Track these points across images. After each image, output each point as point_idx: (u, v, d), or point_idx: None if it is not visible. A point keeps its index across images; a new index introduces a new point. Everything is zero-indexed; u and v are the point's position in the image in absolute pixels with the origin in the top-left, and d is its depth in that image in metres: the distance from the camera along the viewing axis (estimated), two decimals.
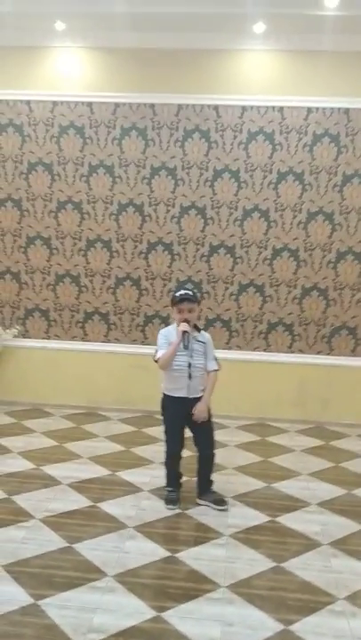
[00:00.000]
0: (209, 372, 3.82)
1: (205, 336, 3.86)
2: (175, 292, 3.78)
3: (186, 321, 3.68)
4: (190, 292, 3.73)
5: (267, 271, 5.77)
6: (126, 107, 5.73)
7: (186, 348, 3.65)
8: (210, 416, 3.85)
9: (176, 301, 3.71)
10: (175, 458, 3.87)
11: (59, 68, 5.76)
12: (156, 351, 3.76)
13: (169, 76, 5.65)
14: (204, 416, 3.76)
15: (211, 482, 3.92)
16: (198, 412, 3.73)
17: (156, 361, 3.74)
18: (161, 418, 3.90)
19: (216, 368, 3.84)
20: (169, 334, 3.78)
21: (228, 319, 5.84)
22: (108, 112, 5.75)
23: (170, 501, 3.79)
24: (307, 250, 5.72)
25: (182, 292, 3.73)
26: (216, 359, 3.87)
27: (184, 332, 3.65)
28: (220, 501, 3.81)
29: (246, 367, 5.79)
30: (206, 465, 3.89)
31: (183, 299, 3.69)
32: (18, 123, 5.83)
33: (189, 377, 3.71)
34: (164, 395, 3.83)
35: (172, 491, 3.86)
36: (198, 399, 3.76)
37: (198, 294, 3.87)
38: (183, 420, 3.78)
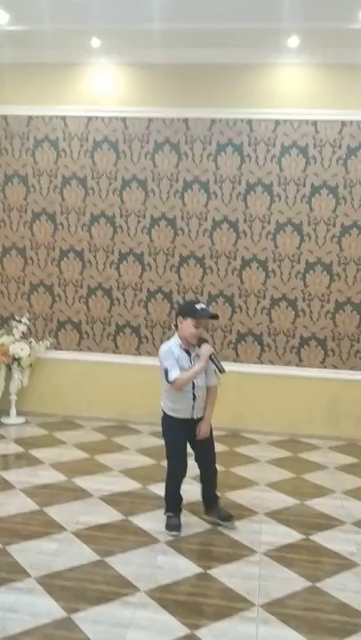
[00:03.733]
0: (209, 386, 3.63)
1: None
2: (194, 305, 3.55)
3: (203, 340, 3.55)
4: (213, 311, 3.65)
5: (299, 285, 5.73)
6: (160, 121, 5.78)
7: (222, 371, 3.54)
8: (211, 432, 3.71)
9: (198, 316, 3.48)
10: (180, 479, 3.67)
11: (94, 84, 5.85)
12: (167, 371, 3.47)
13: (202, 90, 5.68)
14: (207, 435, 3.64)
15: (217, 497, 3.77)
16: (203, 433, 3.61)
17: (170, 382, 3.47)
18: (162, 437, 3.74)
19: (216, 383, 3.65)
20: (173, 351, 3.51)
21: (260, 333, 5.80)
22: (141, 127, 5.81)
23: (173, 527, 3.58)
24: (340, 264, 5.66)
25: (204, 306, 3.54)
26: (216, 372, 3.63)
27: (212, 355, 3.50)
28: (226, 517, 3.69)
29: (278, 382, 5.73)
30: (211, 482, 3.73)
31: (209, 315, 3.56)
32: (53, 138, 5.93)
33: (194, 398, 3.55)
34: (167, 415, 3.64)
35: (173, 516, 3.65)
36: (200, 418, 3.62)
37: None
38: (186, 440, 3.65)
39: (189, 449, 3.69)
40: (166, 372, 3.47)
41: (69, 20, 5.09)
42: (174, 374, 3.44)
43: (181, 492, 3.71)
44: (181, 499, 3.72)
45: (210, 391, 3.64)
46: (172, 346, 3.53)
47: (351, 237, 5.62)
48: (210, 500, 3.75)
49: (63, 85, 5.86)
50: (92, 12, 4.95)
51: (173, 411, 3.59)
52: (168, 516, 3.66)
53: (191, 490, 3.84)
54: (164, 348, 3.55)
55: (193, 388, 3.52)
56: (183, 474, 3.67)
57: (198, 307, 3.51)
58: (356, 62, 5.41)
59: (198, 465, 3.71)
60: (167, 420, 3.64)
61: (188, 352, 3.53)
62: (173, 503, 3.70)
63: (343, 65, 5.46)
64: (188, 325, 3.48)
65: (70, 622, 2.65)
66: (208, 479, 3.73)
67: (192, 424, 3.60)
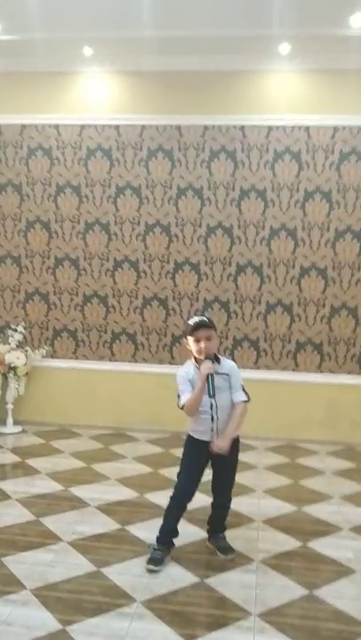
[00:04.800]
0: (236, 403, 3.32)
1: (228, 366, 3.34)
2: (189, 321, 3.30)
3: (208, 357, 3.21)
4: (205, 318, 3.27)
5: (295, 290, 5.73)
6: (153, 129, 5.80)
7: (212, 396, 3.18)
8: (236, 459, 3.43)
9: (190, 330, 3.22)
10: (183, 502, 3.35)
11: (86, 93, 5.87)
12: (179, 396, 3.28)
13: (195, 97, 5.70)
14: (223, 451, 3.26)
15: (223, 526, 3.50)
16: (216, 447, 3.26)
17: (181, 408, 3.28)
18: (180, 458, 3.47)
19: (244, 399, 3.32)
20: (188, 373, 3.28)
21: (256, 339, 5.80)
22: (134, 134, 5.82)
23: (154, 561, 3.25)
24: (335, 268, 5.67)
25: (196, 319, 3.26)
26: (244, 389, 3.37)
27: (208, 376, 3.17)
28: (226, 549, 3.38)
29: (275, 387, 5.73)
30: (222, 509, 3.48)
31: (199, 325, 3.21)
32: (46, 146, 5.93)
33: (212, 419, 3.27)
34: (189, 434, 3.41)
35: (159, 549, 3.31)
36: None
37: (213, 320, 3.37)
38: (205, 463, 3.37)
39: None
40: (179, 397, 3.28)
41: (61, 29, 5.10)
42: (182, 399, 3.24)
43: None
44: (177, 533, 3.40)
45: (235, 407, 3.32)
46: (187, 367, 3.32)
47: (345, 242, 5.63)
48: (215, 527, 3.51)
49: (56, 94, 5.87)
50: (84, 21, 4.96)
51: (195, 432, 3.36)
52: (154, 548, 3.33)
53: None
54: (180, 371, 3.33)
55: (211, 408, 3.26)
56: (187, 498, 3.35)
57: (192, 321, 3.26)
58: (347, 68, 5.43)
59: (212, 490, 3.47)
60: (188, 439, 3.42)
61: None
62: (167, 532, 3.37)
63: (335, 70, 5.48)
64: (190, 344, 3.26)
65: (65, 635, 2.63)
66: (219, 505, 3.48)
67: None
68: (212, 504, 3.51)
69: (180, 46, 5.35)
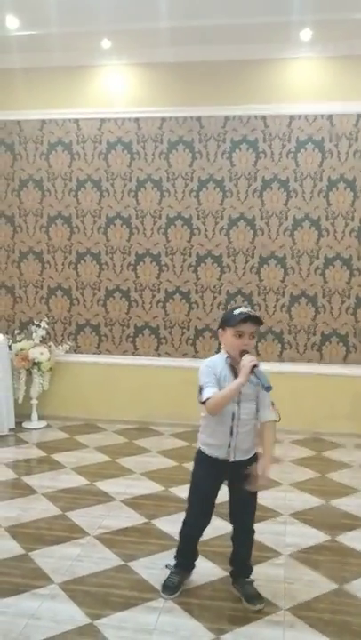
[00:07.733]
0: (264, 422, 2.81)
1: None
2: (232, 311, 2.76)
3: (244, 351, 2.71)
4: (254, 312, 2.78)
5: (319, 281, 5.65)
6: (173, 121, 5.75)
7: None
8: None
9: (236, 322, 2.70)
10: (197, 533, 2.98)
11: (105, 86, 5.84)
12: (201, 389, 2.76)
13: (215, 88, 5.63)
14: (268, 483, 2.82)
15: (249, 568, 2.97)
16: (263, 479, 2.75)
17: (202, 402, 2.75)
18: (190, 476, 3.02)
19: (275, 418, 2.80)
20: (215, 367, 2.79)
21: (280, 331, 5.74)
22: (154, 127, 5.78)
23: (168, 588, 2.91)
24: (360, 258, 5.57)
25: (243, 309, 2.74)
26: (274, 406, 2.82)
27: (254, 367, 2.64)
28: (253, 598, 2.83)
29: (299, 380, 5.66)
30: (244, 544, 2.96)
31: (247, 318, 2.70)
32: (67, 141, 5.93)
33: (231, 433, 2.77)
34: (200, 449, 2.92)
35: (176, 573, 2.97)
36: (242, 462, 2.82)
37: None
38: (219, 485, 2.91)
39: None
40: (200, 391, 2.77)
41: (79, 23, 5.08)
42: (208, 393, 2.71)
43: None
44: (197, 555, 3.05)
45: (266, 427, 2.81)
46: (217, 361, 2.81)
47: None
48: (239, 570, 2.98)
49: (75, 88, 5.86)
50: (102, 14, 4.92)
51: (207, 446, 2.86)
52: (171, 571, 3.00)
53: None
54: (205, 362, 2.85)
55: (233, 419, 2.76)
56: (202, 528, 2.96)
57: (237, 312, 2.73)
58: None
59: (231, 520, 2.97)
60: (199, 456, 2.93)
61: (235, 370, 2.76)
62: (185, 555, 3.03)
63: (357, 56, 5.37)
64: (228, 337, 2.75)
65: (94, 629, 2.62)
66: (240, 539, 2.97)
67: (228, 468, 2.83)
68: (233, 535, 3.00)
69: (199, 36, 5.29)
